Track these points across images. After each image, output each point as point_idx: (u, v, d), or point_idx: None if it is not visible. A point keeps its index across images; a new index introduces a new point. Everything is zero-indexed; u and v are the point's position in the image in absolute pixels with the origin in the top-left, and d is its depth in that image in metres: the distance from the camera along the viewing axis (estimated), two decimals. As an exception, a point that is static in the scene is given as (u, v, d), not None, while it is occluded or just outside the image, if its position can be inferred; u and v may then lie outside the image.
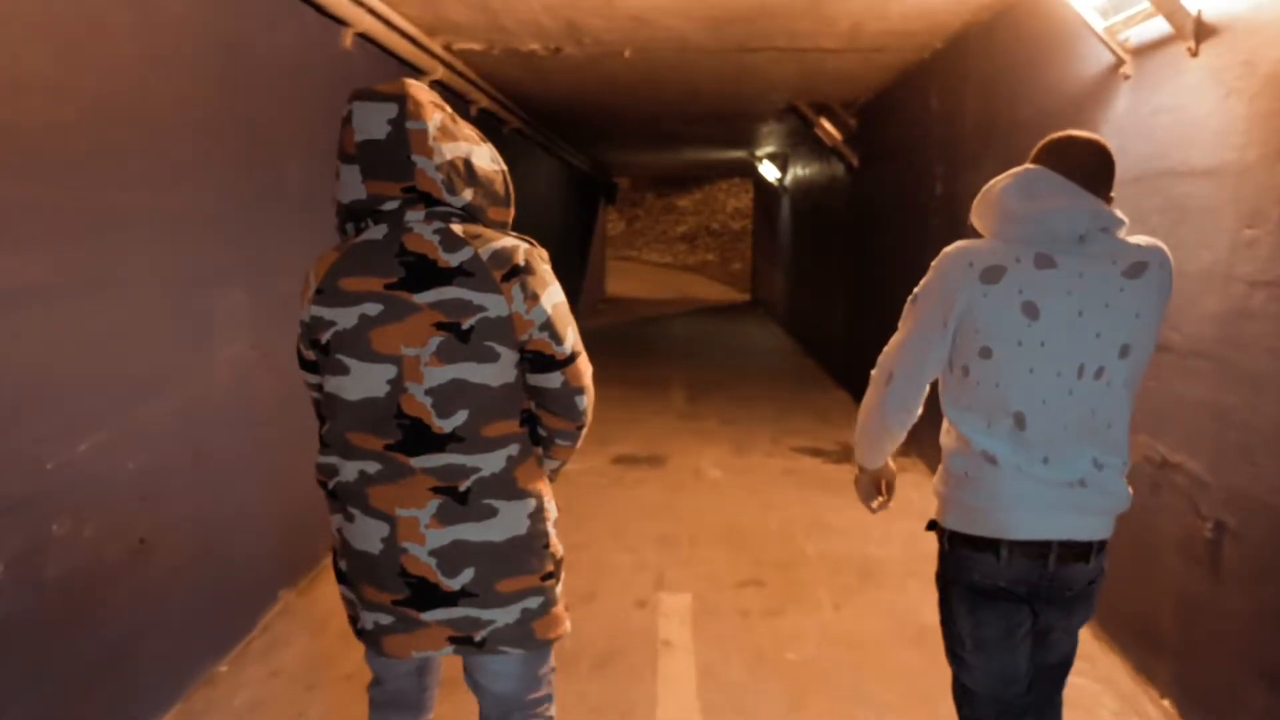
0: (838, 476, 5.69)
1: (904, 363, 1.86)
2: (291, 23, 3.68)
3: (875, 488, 2.15)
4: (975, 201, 1.90)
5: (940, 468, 1.92)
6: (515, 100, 7.96)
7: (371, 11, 4.28)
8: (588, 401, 1.81)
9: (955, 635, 1.95)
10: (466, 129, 1.77)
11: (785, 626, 3.53)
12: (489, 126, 7.69)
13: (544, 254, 1.78)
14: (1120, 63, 3.31)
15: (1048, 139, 1.88)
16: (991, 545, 1.82)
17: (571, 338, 1.76)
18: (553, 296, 1.73)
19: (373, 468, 1.70)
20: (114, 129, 2.55)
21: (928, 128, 5.92)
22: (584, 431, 1.85)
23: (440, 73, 5.61)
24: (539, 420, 1.81)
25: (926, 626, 2.81)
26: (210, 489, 3.07)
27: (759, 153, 13.38)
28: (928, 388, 1.90)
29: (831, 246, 9.61)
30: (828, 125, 8.32)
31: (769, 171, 13.80)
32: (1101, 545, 1.86)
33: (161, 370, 2.80)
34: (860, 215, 8.23)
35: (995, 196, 1.83)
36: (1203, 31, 2.85)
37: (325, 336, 1.71)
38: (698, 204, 26.66)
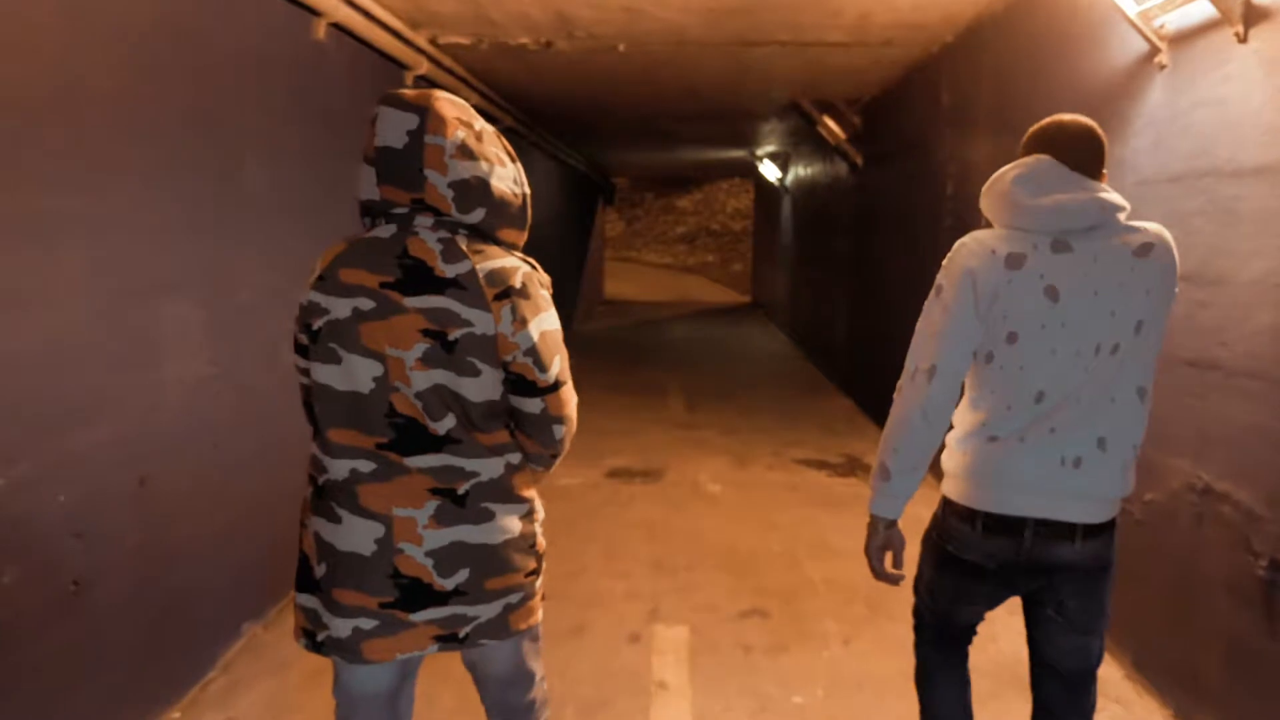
0: (843, 492, 5.42)
1: (945, 355, 1.84)
2: (253, 10, 3.40)
3: (889, 548, 1.98)
4: (984, 190, 1.94)
5: (947, 442, 1.95)
6: (508, 98, 7.68)
7: (348, 1, 4.00)
8: (565, 431, 1.82)
9: (920, 575, 2.12)
10: (492, 148, 1.75)
11: (791, 665, 3.25)
12: (480, 125, 7.40)
13: (545, 279, 1.78)
14: (1155, 51, 3.03)
15: (1039, 126, 1.95)
16: (969, 516, 1.90)
17: (557, 366, 1.75)
18: (542, 323, 1.72)
19: (365, 466, 1.69)
20: (36, 126, 2.26)
21: (938, 125, 5.64)
22: (558, 460, 1.87)
23: (425, 68, 5.33)
24: (517, 440, 1.82)
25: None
26: (159, 519, 2.79)
27: (759, 152, 13.09)
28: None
29: (834, 248, 9.33)
30: (831, 123, 8.04)
31: (770, 171, 13.52)
32: (1090, 529, 1.86)
33: (98, 392, 2.52)
34: (865, 216, 7.95)
35: (1006, 188, 1.88)
36: (1252, 15, 2.57)
37: (318, 323, 1.71)
38: (697, 204, 26.40)
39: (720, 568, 4.18)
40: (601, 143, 12.07)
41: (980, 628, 2.16)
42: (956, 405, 1.91)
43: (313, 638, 1.76)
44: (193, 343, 3.00)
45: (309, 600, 1.77)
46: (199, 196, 3.04)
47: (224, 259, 3.21)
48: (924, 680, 2.21)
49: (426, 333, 1.65)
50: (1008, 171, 1.90)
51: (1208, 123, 2.78)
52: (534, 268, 1.76)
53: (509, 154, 1.80)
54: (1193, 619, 2.81)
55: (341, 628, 1.71)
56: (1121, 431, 1.84)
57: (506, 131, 8.37)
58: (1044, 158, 1.87)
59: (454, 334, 1.65)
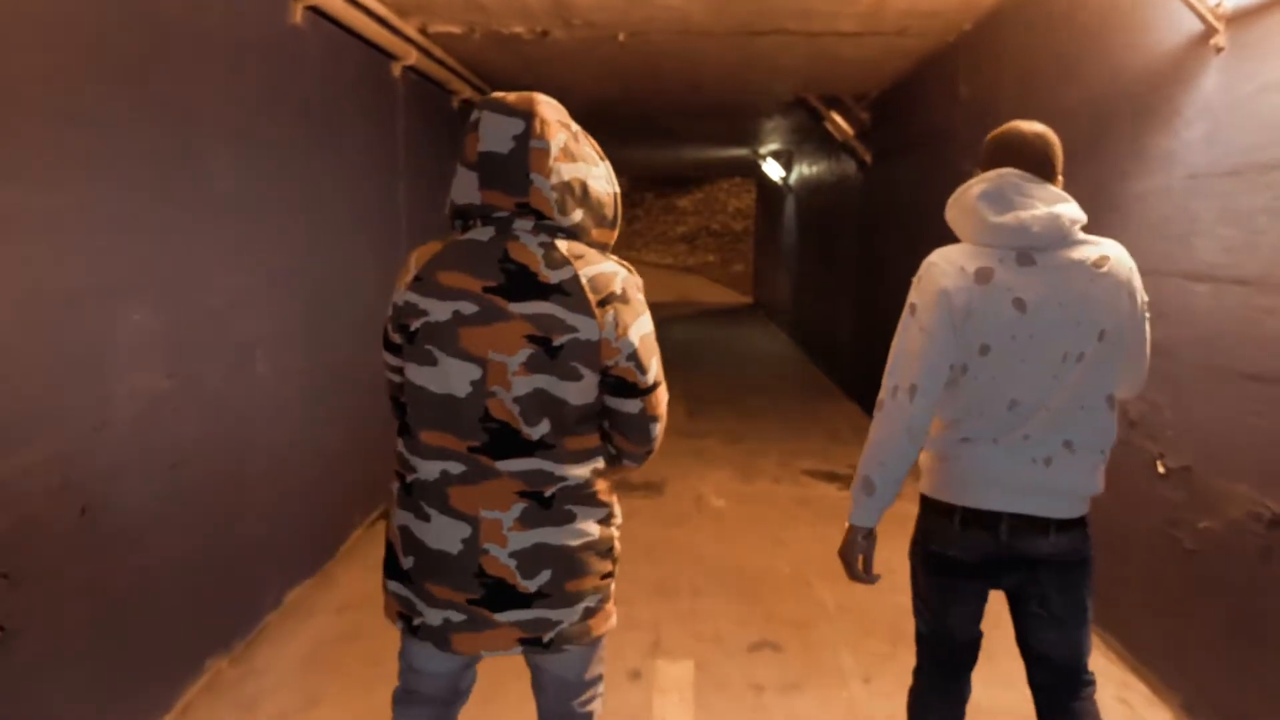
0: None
1: (925, 373, 1.90)
2: (220, -11, 3.12)
3: (866, 553, 2.05)
4: (949, 205, 2.01)
5: (925, 445, 2.01)
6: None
7: (327, -18, 3.72)
8: (660, 429, 1.86)
9: (915, 590, 2.15)
10: (588, 148, 1.78)
11: (806, 708, 2.96)
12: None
13: (639, 282, 1.79)
14: (1211, 33, 2.75)
15: (997, 134, 2.03)
16: (948, 512, 1.98)
17: (655, 368, 1.80)
18: (642, 327, 1.75)
19: (456, 468, 1.72)
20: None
21: (955, 120, 5.35)
22: (651, 455, 1.91)
23: (414, 58, 5.05)
24: (610, 439, 1.86)
25: (979, 709, 2.25)
26: (105, 551, 2.51)
27: (762, 150, 12.80)
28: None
29: (840, 248, 9.04)
30: (838, 119, 7.76)
31: (773, 170, 13.23)
32: (1064, 524, 1.94)
33: (30, 410, 2.23)
34: (873, 215, 7.66)
35: (971, 205, 1.94)
36: (1329, -11, 2.29)
37: (415, 324, 1.73)
38: (698, 204, 26.11)
39: (727, 592, 3.90)
40: (601, 141, 11.70)
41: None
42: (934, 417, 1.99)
43: (409, 621, 1.80)
44: (148, 352, 2.71)
45: (400, 588, 1.81)
46: (157, 191, 2.75)
47: (186, 259, 2.92)
48: (917, 705, 2.20)
49: (531, 338, 1.67)
50: (972, 186, 1.97)
51: (1274, 110, 2.50)
52: (630, 271, 1.78)
53: (599, 153, 1.81)
54: (1254, 663, 2.52)
55: (434, 617, 1.76)
56: (1090, 436, 1.93)
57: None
58: (1006, 171, 1.94)
59: (559, 340, 1.67)
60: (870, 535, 2.04)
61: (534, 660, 1.90)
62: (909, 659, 3.27)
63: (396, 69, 5.05)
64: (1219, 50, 2.73)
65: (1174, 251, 2.95)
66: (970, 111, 5.10)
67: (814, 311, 10.80)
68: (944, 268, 1.92)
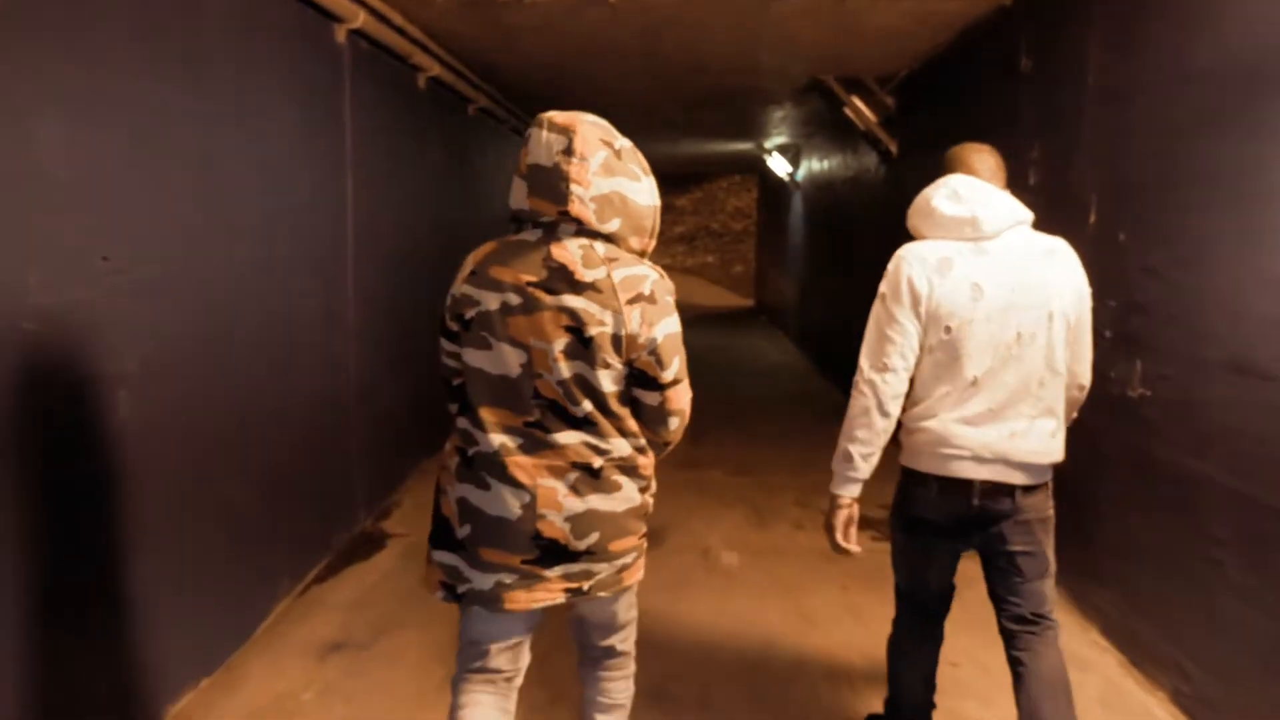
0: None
1: (895, 355, 2.20)
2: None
3: (850, 523, 2.29)
4: (910, 214, 2.35)
5: (902, 421, 2.29)
6: (482, 75, 6.51)
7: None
8: (679, 423, 2.02)
9: (893, 546, 2.46)
10: (631, 165, 1.92)
11: None
12: (448, 102, 6.22)
13: (670, 286, 1.95)
14: None
15: (950, 153, 2.38)
16: (924, 480, 2.26)
17: (675, 366, 1.95)
18: (667, 327, 1.91)
19: (514, 441, 1.91)
20: None
21: (1012, 97, 4.47)
22: (670, 447, 2.07)
23: (362, 19, 4.16)
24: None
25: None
26: None
27: (768, 145, 11.92)
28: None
29: (858, 250, 8.16)
30: (860, 104, 6.88)
31: (778, 166, 12.35)
32: (1028, 488, 2.22)
33: None
34: (899, 213, 6.75)
35: (928, 206, 2.28)
36: None
37: (470, 314, 1.92)
38: (696, 203, 25.29)
39: (745, 697, 3.02)
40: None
41: None
42: (905, 395, 2.24)
43: (452, 590, 1.98)
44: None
45: (449, 558, 1.98)
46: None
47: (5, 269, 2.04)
48: (895, 649, 2.51)
49: (568, 329, 1.85)
50: (931, 191, 2.28)
51: None
52: (661, 275, 1.94)
53: (643, 169, 1.95)
54: None
55: (484, 581, 1.94)
56: (1049, 409, 2.21)
57: (482, 114, 7.20)
58: (958, 174, 2.28)
59: (590, 331, 1.85)
60: (852, 505, 2.29)
61: (576, 612, 2.15)
62: None
63: (341, 32, 4.17)
64: None
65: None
66: (1035, 87, 4.23)
67: (826, 319, 9.90)
68: (910, 259, 2.22)
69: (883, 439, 2.23)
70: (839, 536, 2.27)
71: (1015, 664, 2.28)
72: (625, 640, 2.23)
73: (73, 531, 2.36)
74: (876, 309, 2.24)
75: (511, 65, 6.24)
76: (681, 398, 1.99)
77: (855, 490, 2.26)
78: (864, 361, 2.24)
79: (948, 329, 2.15)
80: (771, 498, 5.26)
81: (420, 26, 5.04)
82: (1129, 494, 3.31)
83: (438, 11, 4.71)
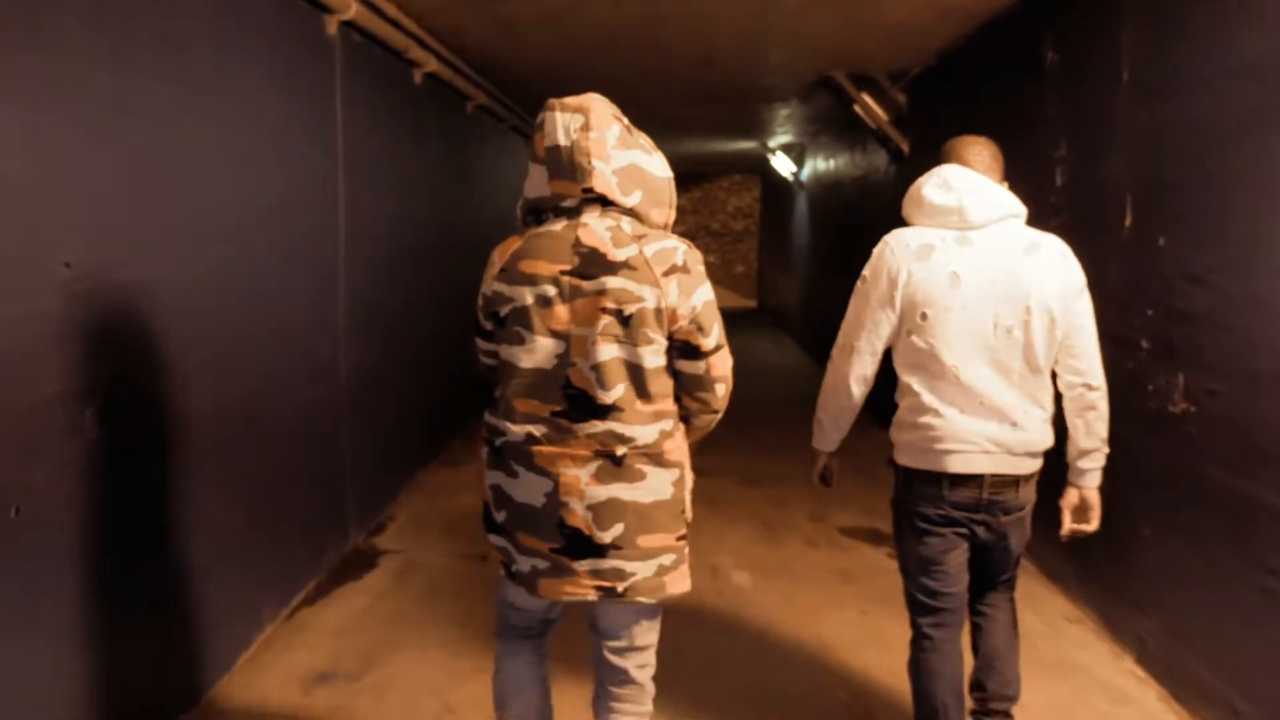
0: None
1: (869, 335, 2.29)
2: None
3: (830, 468, 2.56)
4: (904, 202, 2.36)
5: (895, 418, 2.35)
6: (480, 71, 6.30)
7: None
8: (725, 389, 2.03)
9: (904, 553, 2.43)
10: (642, 139, 1.96)
11: None
12: (445, 99, 6.00)
13: (699, 256, 1.96)
14: None
15: (947, 145, 2.36)
16: (936, 479, 2.27)
17: (716, 332, 1.96)
18: (703, 295, 1.93)
19: (540, 430, 1.93)
20: None
21: (1037, 93, 4.27)
22: (719, 415, 2.08)
23: (354, 11, 3.95)
24: (681, 401, 2.03)
25: None
26: None
27: (771, 143, 11.71)
28: (881, 358, 2.34)
29: (866, 251, 7.95)
30: (870, 102, 6.67)
31: (783, 165, 12.15)
32: (1028, 478, 2.28)
33: None
34: (911, 215, 6.57)
35: (919, 194, 2.30)
36: None
37: (504, 310, 1.95)
38: (696, 203, 25.06)
39: (762, 735, 2.81)
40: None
41: None
42: (873, 376, 2.35)
43: (509, 569, 2.06)
44: None
45: (498, 539, 2.06)
46: None
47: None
48: (916, 669, 2.41)
49: (605, 310, 1.86)
50: (923, 179, 2.31)
51: None
52: (690, 246, 1.95)
53: (651, 145, 1.99)
54: None
55: (524, 564, 2.01)
56: (1035, 399, 2.24)
57: (481, 111, 6.99)
58: (950, 164, 2.29)
59: (629, 309, 1.86)
60: (830, 457, 2.54)
61: (599, 615, 2.11)
62: None
63: (332, 24, 3.96)
64: None
65: None
66: (1062, 83, 4.02)
67: (831, 322, 9.69)
68: (892, 245, 2.26)
69: (850, 411, 2.40)
70: (816, 480, 2.58)
71: (976, 615, 2.50)
72: (642, 669, 2.14)
73: (37, 560, 2.14)
74: (857, 291, 2.33)
75: (511, 61, 6.03)
76: (724, 363, 2.00)
77: (833, 446, 2.51)
78: (841, 338, 2.36)
79: (924, 315, 2.19)
80: (782, 511, 5.05)
81: (416, 19, 4.83)
82: (1171, 516, 3.10)
83: (434, 4, 4.50)
